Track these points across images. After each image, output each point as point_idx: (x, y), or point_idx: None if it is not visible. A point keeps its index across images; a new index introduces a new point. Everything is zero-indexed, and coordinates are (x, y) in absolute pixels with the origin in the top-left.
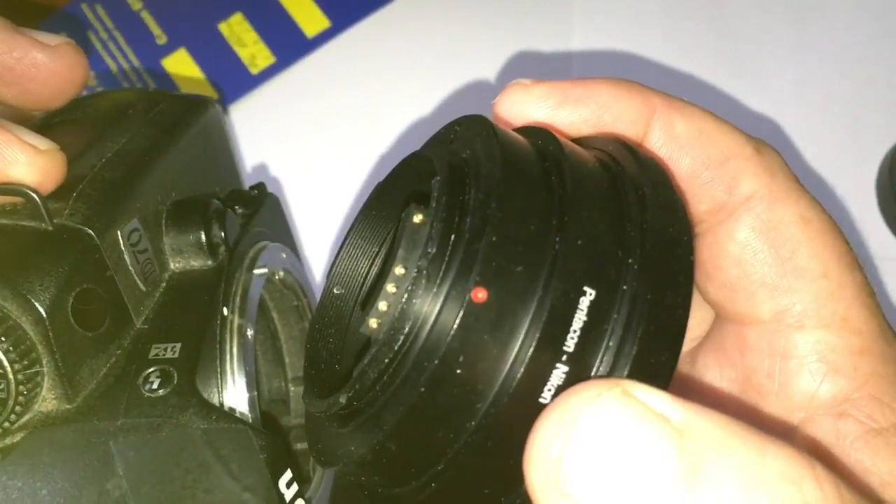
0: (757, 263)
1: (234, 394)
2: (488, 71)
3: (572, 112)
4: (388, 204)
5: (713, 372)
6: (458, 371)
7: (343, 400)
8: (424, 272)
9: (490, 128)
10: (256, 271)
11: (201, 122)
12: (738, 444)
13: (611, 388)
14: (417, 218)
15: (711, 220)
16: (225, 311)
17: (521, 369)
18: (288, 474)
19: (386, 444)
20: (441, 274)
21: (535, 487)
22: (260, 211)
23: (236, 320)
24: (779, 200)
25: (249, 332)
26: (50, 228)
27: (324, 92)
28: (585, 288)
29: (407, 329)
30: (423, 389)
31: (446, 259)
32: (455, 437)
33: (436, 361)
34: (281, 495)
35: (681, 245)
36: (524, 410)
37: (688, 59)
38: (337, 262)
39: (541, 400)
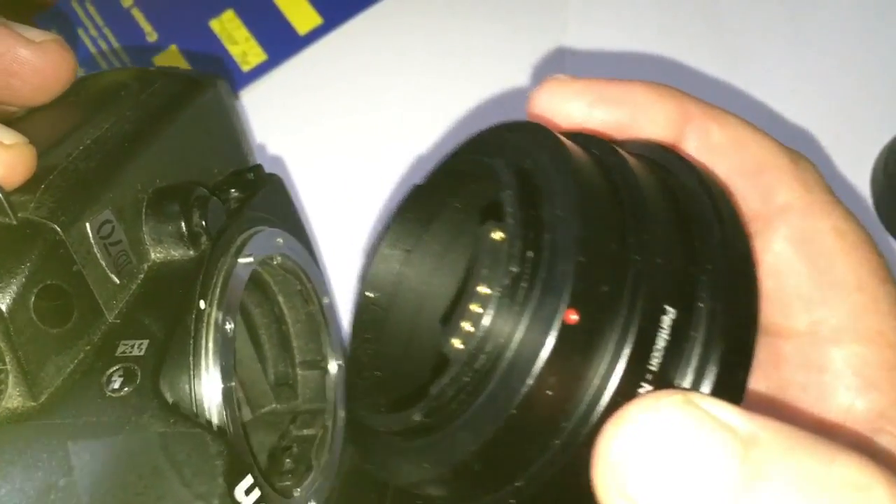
0: (793, 275)
1: (208, 390)
2: (481, 67)
3: (607, 112)
4: (426, 208)
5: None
6: (549, 392)
7: (418, 418)
8: (510, 292)
9: (555, 139)
10: (241, 260)
11: (198, 103)
12: (803, 452)
13: (671, 396)
14: (497, 235)
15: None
16: (202, 303)
17: (609, 389)
18: (247, 481)
19: (470, 463)
20: (528, 295)
21: (599, 489)
22: (256, 195)
23: (214, 313)
24: (814, 212)
25: (228, 326)
26: (13, 223)
27: (316, 89)
28: (667, 307)
29: (492, 349)
30: (514, 411)
31: (533, 279)
32: (538, 455)
33: (529, 383)
34: (237, 503)
35: (746, 259)
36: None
37: (682, 55)
38: (370, 266)
39: None
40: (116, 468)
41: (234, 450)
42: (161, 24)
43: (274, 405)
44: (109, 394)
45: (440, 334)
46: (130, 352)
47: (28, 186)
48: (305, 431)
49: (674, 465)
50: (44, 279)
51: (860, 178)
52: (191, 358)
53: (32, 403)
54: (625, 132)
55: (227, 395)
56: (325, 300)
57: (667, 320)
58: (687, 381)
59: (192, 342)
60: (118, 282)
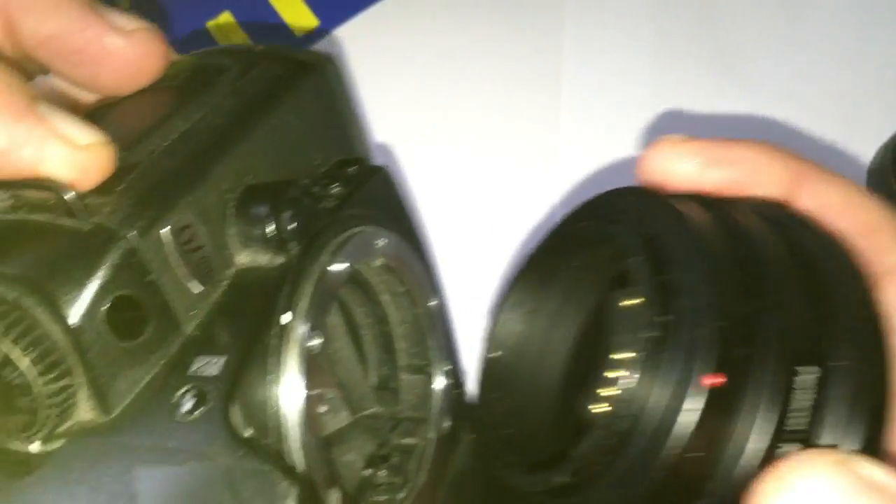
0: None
1: (287, 413)
2: (478, 70)
3: (721, 173)
4: (544, 270)
5: None
6: (695, 454)
7: (562, 479)
8: (652, 356)
9: (670, 205)
10: (332, 268)
11: (302, 88)
12: None
13: (825, 456)
14: (628, 301)
15: None
16: (286, 317)
17: (753, 449)
18: None
19: None
20: (671, 359)
21: None
22: (359, 191)
23: (300, 327)
24: None
25: (315, 342)
26: (86, 228)
27: None
28: (810, 367)
29: (635, 412)
30: (662, 473)
31: (674, 344)
32: None
33: (678, 445)
34: None
35: (875, 318)
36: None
37: (679, 58)
38: (494, 326)
39: None
40: (180, 501)
41: (306, 489)
42: (158, 27)
43: (375, 408)
44: (179, 417)
45: (561, 394)
46: (204, 370)
47: (105, 187)
48: (406, 440)
49: None
50: (116, 290)
51: (857, 178)
52: (268, 377)
53: (104, 419)
54: (737, 192)
55: (310, 419)
56: (434, 303)
57: (811, 380)
58: (832, 440)
59: (272, 360)
60: (198, 290)
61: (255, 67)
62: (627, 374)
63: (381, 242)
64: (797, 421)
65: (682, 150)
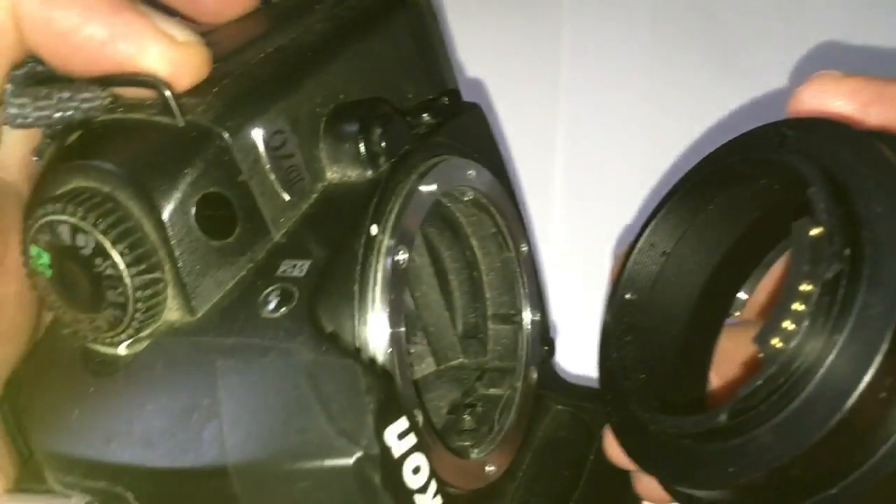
0: None
1: (373, 324)
2: (477, 67)
3: (885, 113)
4: (685, 211)
5: None
6: (876, 400)
7: (723, 419)
8: (832, 290)
9: (858, 133)
10: (423, 187)
11: (394, 21)
12: None
13: None
14: (815, 231)
15: None
16: (374, 229)
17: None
18: (401, 424)
19: (788, 468)
20: (853, 294)
21: None
22: (450, 122)
23: (386, 240)
24: None
25: (401, 256)
26: (180, 125)
27: None
28: None
29: (812, 351)
30: (840, 418)
31: (857, 277)
32: (858, 465)
33: (860, 389)
34: (386, 448)
35: None
36: None
37: (677, 55)
38: (628, 267)
39: None
40: (261, 394)
41: (388, 387)
42: None
43: (461, 359)
44: (264, 314)
45: (695, 337)
46: (290, 272)
47: (199, 89)
48: (492, 391)
49: None
50: (206, 186)
51: None
52: (356, 286)
53: (190, 318)
54: None
55: (395, 335)
56: (524, 248)
57: None
58: None
59: (359, 269)
60: (288, 198)
61: None
62: (808, 309)
63: (472, 173)
64: None
65: (841, 87)
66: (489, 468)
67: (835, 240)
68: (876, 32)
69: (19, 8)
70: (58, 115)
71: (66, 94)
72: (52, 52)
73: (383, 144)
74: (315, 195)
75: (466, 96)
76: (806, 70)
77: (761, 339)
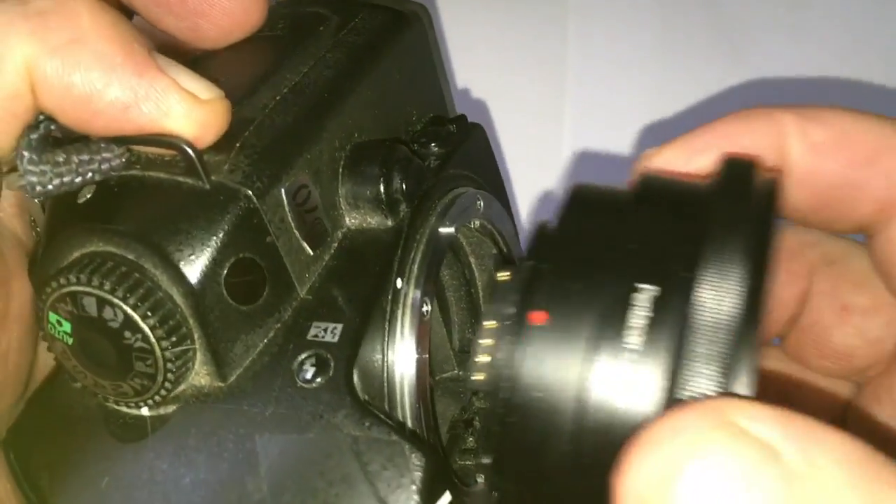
0: None
1: (401, 381)
2: (483, 60)
3: (704, 159)
4: None
5: None
6: (539, 394)
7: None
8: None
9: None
10: (442, 230)
11: (400, 42)
12: (855, 496)
13: (718, 430)
14: (503, 275)
15: (879, 220)
16: (399, 282)
17: (591, 376)
18: (445, 499)
19: (495, 482)
20: (518, 320)
21: None
22: (458, 150)
23: (411, 293)
24: None
25: (426, 308)
26: (206, 187)
27: None
28: (646, 284)
29: (503, 374)
30: (509, 415)
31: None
32: (553, 459)
33: (512, 391)
34: None
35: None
36: (609, 417)
37: (684, 46)
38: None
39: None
40: (305, 472)
41: (433, 463)
42: None
43: (455, 371)
44: (301, 384)
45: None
46: (323, 336)
47: (221, 144)
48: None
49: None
50: (237, 252)
51: None
52: (385, 343)
53: (220, 384)
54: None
55: (422, 388)
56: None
57: (644, 298)
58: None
59: (387, 326)
60: (312, 253)
61: (356, 18)
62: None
63: (480, 203)
64: (637, 341)
65: (659, 161)
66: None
67: (516, 277)
68: (883, 23)
69: (36, 72)
70: (78, 179)
71: (84, 157)
72: (71, 117)
73: (404, 188)
74: (335, 244)
75: (474, 92)
76: (814, 62)
77: (466, 379)
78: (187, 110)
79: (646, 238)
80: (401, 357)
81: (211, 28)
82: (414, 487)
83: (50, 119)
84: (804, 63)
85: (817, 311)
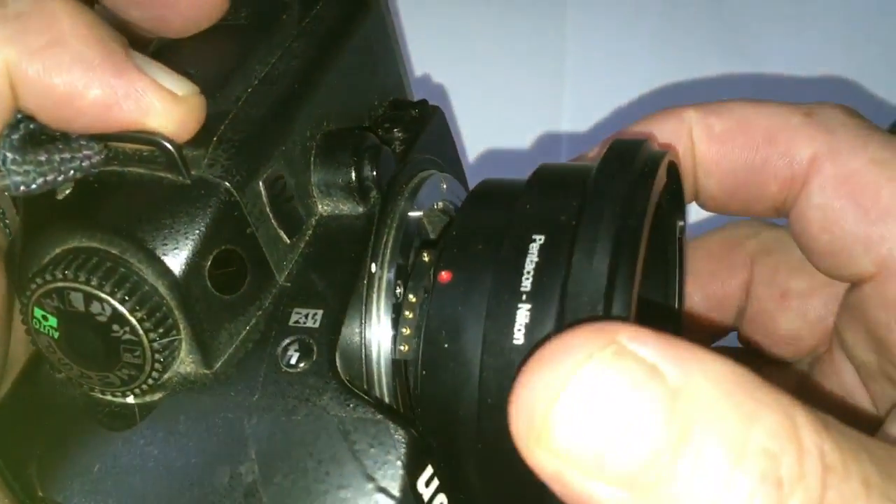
0: (841, 221)
1: (377, 360)
2: (481, 52)
3: None
4: None
5: (855, 341)
6: (446, 345)
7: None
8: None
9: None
10: (411, 214)
11: (362, 28)
12: (729, 408)
13: (603, 348)
14: (425, 256)
15: (788, 196)
16: (373, 267)
17: (488, 320)
18: (428, 471)
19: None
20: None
21: (519, 438)
22: (421, 135)
23: (385, 276)
24: (843, 152)
25: (399, 290)
26: (187, 182)
27: None
28: (534, 235)
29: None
30: (424, 372)
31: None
32: (464, 409)
33: (425, 345)
34: (419, 496)
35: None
36: (504, 356)
37: (686, 41)
38: None
39: (514, 341)
40: (295, 453)
41: (415, 438)
42: None
43: None
44: (285, 368)
45: None
46: (304, 322)
47: (199, 138)
48: None
49: (603, 421)
50: (219, 244)
51: None
52: (363, 325)
53: (206, 371)
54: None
55: (397, 366)
56: None
57: (535, 246)
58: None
59: (363, 309)
60: (288, 241)
61: (316, 4)
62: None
63: (445, 186)
64: (527, 283)
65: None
66: None
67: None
68: (884, 16)
69: (17, 74)
70: (60, 178)
71: (66, 155)
72: (51, 117)
73: (374, 176)
74: (310, 231)
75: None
76: (814, 56)
77: (393, 350)
78: (167, 108)
79: (535, 205)
80: (377, 337)
81: (177, 18)
82: (399, 463)
83: (29, 118)
84: (805, 57)
85: (760, 299)
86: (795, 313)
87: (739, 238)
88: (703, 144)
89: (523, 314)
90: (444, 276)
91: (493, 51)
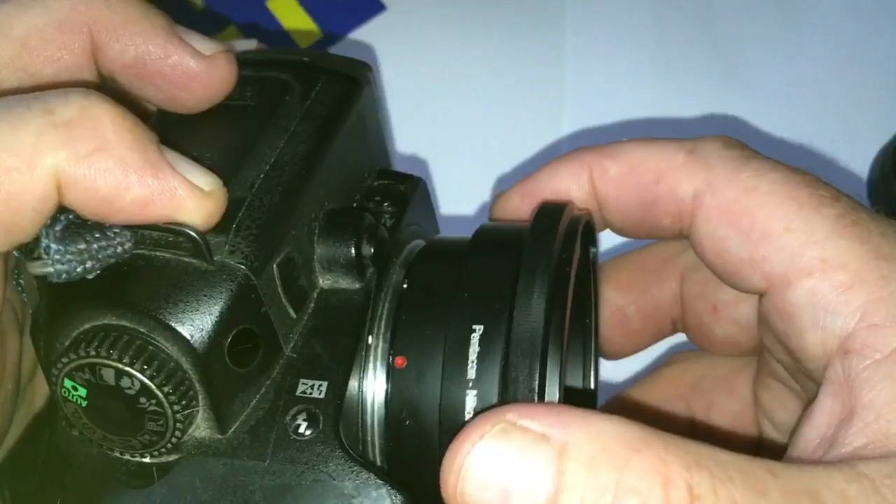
0: (728, 247)
1: (371, 425)
2: (481, 80)
3: (531, 203)
4: None
5: (771, 344)
6: (408, 423)
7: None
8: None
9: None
10: (405, 286)
11: (357, 108)
12: (604, 459)
13: (494, 426)
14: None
15: (682, 227)
16: (370, 339)
17: (443, 402)
18: None
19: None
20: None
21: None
22: (408, 207)
23: (381, 346)
24: (720, 185)
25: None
26: (211, 268)
27: None
28: (474, 326)
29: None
30: (391, 445)
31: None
32: (428, 469)
33: (389, 419)
34: None
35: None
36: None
37: (679, 63)
38: None
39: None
40: None
41: (408, 502)
42: None
43: None
44: (294, 437)
45: None
46: (311, 392)
47: (220, 226)
48: None
49: (500, 492)
50: (238, 324)
51: (856, 181)
52: (361, 393)
53: (220, 436)
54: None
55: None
56: None
57: (476, 336)
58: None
59: (361, 377)
60: (294, 315)
61: (317, 86)
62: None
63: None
64: (472, 372)
65: (501, 203)
66: None
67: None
68: (878, 40)
69: (65, 177)
70: (98, 265)
71: (103, 244)
72: (94, 213)
73: (372, 253)
74: (312, 304)
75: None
76: (808, 78)
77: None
78: (197, 205)
79: (475, 283)
80: (371, 403)
81: (188, 98)
82: None
83: (69, 210)
84: (798, 79)
85: (695, 312)
86: (728, 322)
87: (670, 254)
88: (601, 186)
89: (471, 399)
90: (399, 361)
91: (490, 80)
